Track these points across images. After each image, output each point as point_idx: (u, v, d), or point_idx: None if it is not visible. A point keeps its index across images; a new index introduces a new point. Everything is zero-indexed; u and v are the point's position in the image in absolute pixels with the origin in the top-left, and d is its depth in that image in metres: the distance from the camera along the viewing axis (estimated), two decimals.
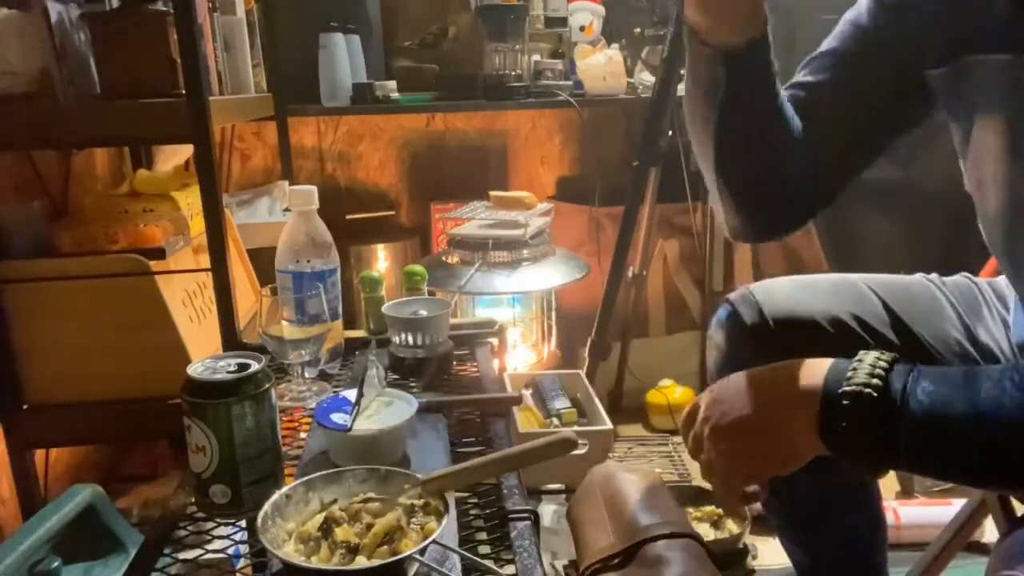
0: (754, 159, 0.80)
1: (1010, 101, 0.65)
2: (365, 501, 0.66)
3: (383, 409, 0.82)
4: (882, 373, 0.60)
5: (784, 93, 0.81)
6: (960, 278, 0.91)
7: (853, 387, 0.60)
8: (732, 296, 0.89)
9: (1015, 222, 0.69)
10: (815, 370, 0.64)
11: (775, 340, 0.82)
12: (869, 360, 0.61)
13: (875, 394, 0.59)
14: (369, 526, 0.63)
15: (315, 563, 0.60)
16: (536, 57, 2.11)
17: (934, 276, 0.92)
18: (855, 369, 0.61)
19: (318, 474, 0.68)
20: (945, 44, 0.70)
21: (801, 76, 0.83)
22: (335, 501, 0.66)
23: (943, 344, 0.83)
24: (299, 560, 0.60)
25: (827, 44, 0.82)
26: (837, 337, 0.82)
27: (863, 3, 0.79)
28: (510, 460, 0.73)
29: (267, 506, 0.64)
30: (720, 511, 1.48)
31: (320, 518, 0.64)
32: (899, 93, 0.77)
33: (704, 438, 0.69)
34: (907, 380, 0.60)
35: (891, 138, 0.81)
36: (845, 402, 0.60)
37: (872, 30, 0.78)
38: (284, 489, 0.66)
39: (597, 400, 1.67)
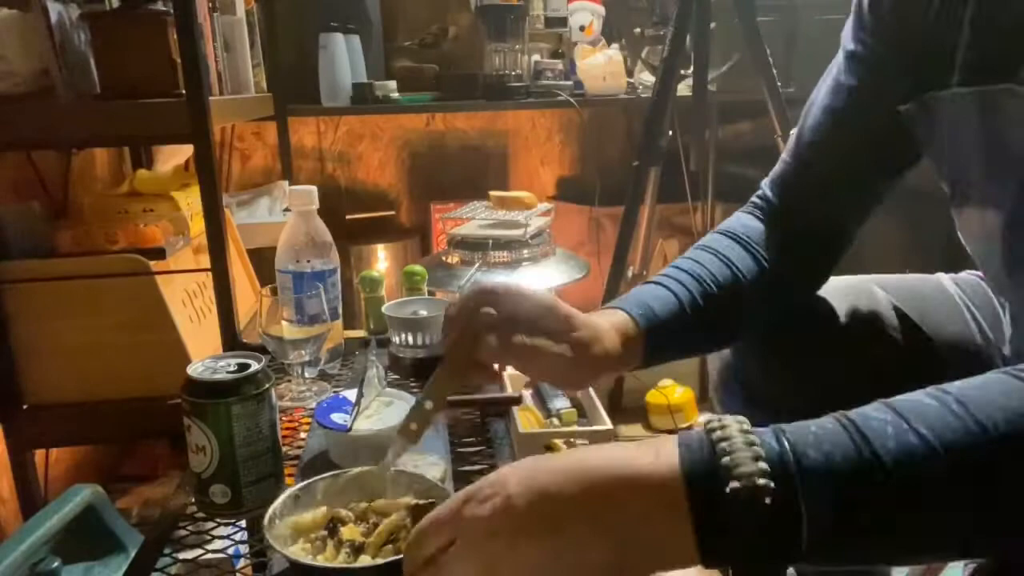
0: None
1: (977, 134, 0.64)
2: (371, 501, 0.66)
3: (383, 409, 0.82)
4: (760, 452, 0.45)
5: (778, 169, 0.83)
6: (971, 277, 0.90)
7: (743, 480, 0.43)
8: None
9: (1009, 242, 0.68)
10: (660, 454, 0.47)
11: (782, 348, 0.82)
12: (738, 438, 0.46)
13: (771, 484, 0.43)
14: (375, 525, 0.63)
15: (320, 561, 0.60)
16: (536, 57, 2.11)
17: (943, 275, 0.92)
18: (729, 455, 0.45)
19: (326, 475, 0.68)
20: (911, 81, 0.69)
21: (792, 144, 0.83)
22: (341, 501, 0.67)
23: (955, 344, 0.82)
24: (305, 558, 0.60)
25: (813, 112, 0.81)
26: (844, 339, 0.81)
27: (839, 60, 0.80)
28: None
29: (275, 505, 0.64)
30: None
31: (326, 517, 0.64)
32: (883, 136, 0.75)
33: (470, 555, 0.47)
34: (784, 452, 0.45)
35: (890, 181, 0.81)
36: (730, 499, 0.43)
37: (847, 84, 0.78)
38: (292, 489, 0.66)
39: (597, 400, 1.67)
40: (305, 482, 0.67)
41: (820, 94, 0.80)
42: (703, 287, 0.74)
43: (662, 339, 0.71)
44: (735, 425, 0.48)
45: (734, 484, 0.43)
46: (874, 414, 0.46)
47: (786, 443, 0.46)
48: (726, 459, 0.45)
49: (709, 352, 0.87)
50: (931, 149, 0.72)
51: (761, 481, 0.43)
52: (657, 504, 0.45)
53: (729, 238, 0.80)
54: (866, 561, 0.47)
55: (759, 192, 0.85)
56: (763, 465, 0.44)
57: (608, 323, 0.70)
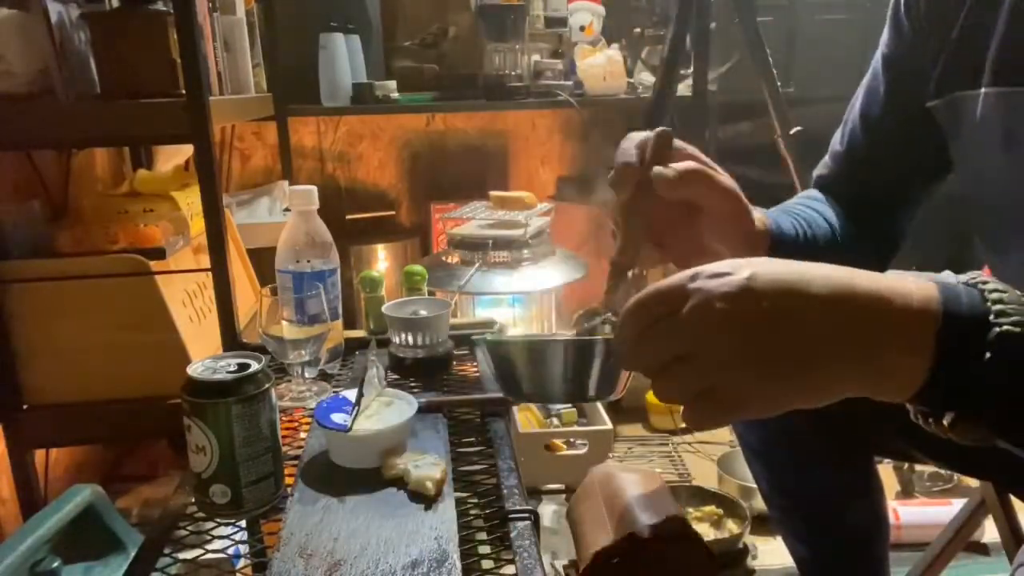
0: None
1: (1001, 133, 0.66)
2: None
3: (383, 409, 0.82)
4: None
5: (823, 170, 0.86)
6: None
7: (1010, 325, 0.43)
8: None
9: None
10: (919, 285, 0.47)
11: None
12: (1009, 292, 0.46)
13: None
14: None
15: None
16: (536, 57, 2.11)
17: (948, 274, 0.92)
18: (1001, 302, 0.45)
19: None
20: (943, 81, 0.71)
21: (835, 146, 0.86)
22: None
23: None
24: None
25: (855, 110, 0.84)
26: None
27: (875, 66, 0.81)
28: None
29: None
30: (720, 511, 1.48)
31: None
32: (920, 136, 0.77)
33: (697, 324, 0.44)
34: None
35: (929, 183, 0.83)
36: (992, 336, 0.43)
37: (883, 89, 0.80)
38: None
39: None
40: None
41: (857, 101, 0.83)
42: (812, 231, 0.77)
43: (779, 250, 0.72)
44: (995, 282, 0.47)
45: (1007, 327, 0.43)
46: None
47: None
48: (998, 305, 0.44)
49: None
50: (956, 145, 0.73)
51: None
52: (907, 327, 0.44)
53: (821, 202, 0.83)
54: None
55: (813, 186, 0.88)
56: None
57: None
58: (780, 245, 0.72)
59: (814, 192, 0.86)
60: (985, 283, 0.47)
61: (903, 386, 0.45)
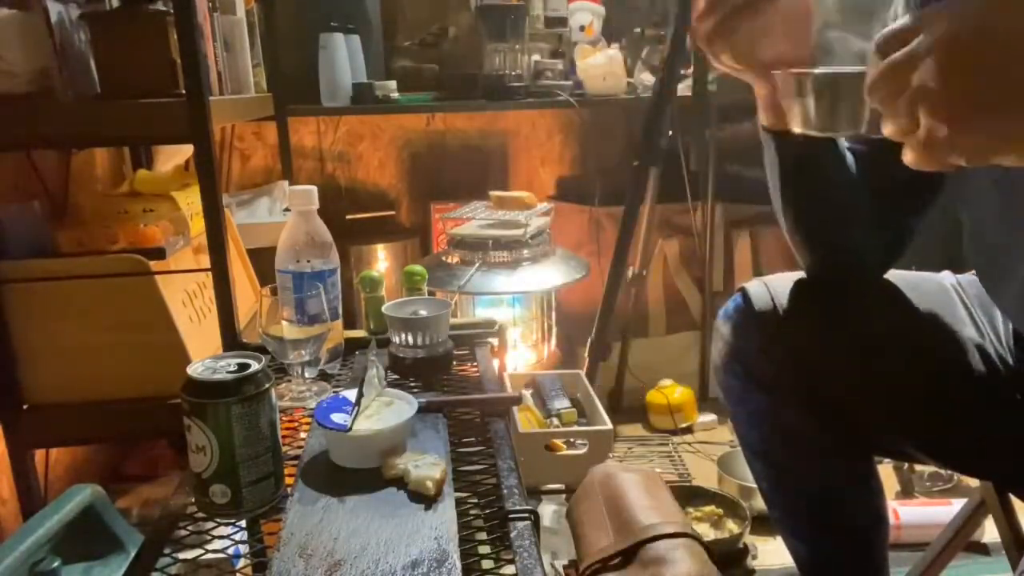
0: (826, 216, 0.83)
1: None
2: None
3: (383, 409, 0.82)
4: None
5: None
6: (974, 277, 0.91)
7: None
8: (746, 284, 0.91)
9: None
10: None
11: (784, 331, 0.83)
12: None
13: None
14: None
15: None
16: (536, 57, 2.11)
17: (948, 274, 0.93)
18: None
19: None
20: None
21: None
22: None
23: (955, 343, 0.83)
24: None
25: None
26: (841, 326, 0.83)
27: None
28: None
29: None
30: (720, 511, 1.48)
31: None
32: None
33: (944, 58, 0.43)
34: None
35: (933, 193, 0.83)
36: None
37: None
38: None
39: (597, 400, 1.67)
40: None
41: None
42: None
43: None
44: None
45: None
46: None
47: None
48: None
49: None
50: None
51: None
52: None
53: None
54: None
55: None
56: None
57: None
58: None
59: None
60: None
61: None
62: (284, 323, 0.94)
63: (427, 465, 0.74)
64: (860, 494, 0.96)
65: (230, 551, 0.72)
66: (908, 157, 0.46)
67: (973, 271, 0.92)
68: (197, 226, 1.37)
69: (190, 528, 0.72)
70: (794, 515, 0.99)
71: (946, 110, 0.43)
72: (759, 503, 1.25)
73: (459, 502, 0.73)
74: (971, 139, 0.43)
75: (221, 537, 0.72)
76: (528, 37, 2.07)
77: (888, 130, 0.47)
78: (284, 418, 0.88)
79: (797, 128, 0.61)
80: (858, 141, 0.84)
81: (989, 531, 1.34)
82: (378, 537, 0.66)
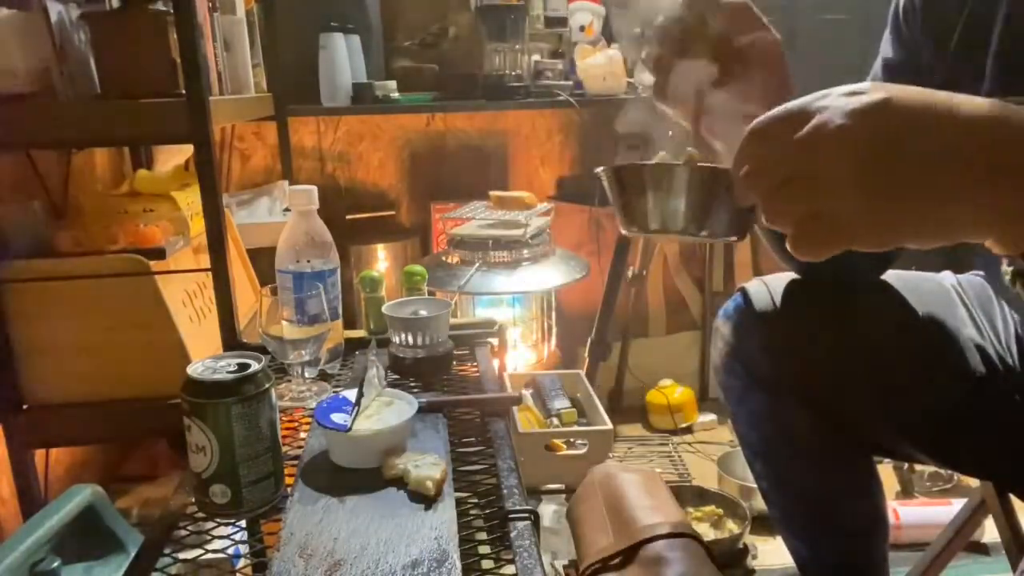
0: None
1: None
2: None
3: (383, 409, 0.82)
4: None
5: None
6: (975, 277, 0.91)
7: None
8: (747, 284, 0.90)
9: None
10: None
11: (784, 331, 0.83)
12: None
13: None
14: None
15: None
16: (536, 57, 2.11)
17: (949, 274, 0.93)
18: None
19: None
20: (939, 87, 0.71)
21: None
22: None
23: (955, 343, 0.83)
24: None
25: None
26: (843, 324, 0.83)
27: (876, 70, 0.80)
28: None
29: None
30: (720, 511, 1.48)
31: None
32: None
33: (819, 142, 0.41)
34: None
35: None
36: None
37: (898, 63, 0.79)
38: None
39: (597, 400, 1.67)
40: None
41: (874, 70, 0.81)
42: None
43: None
44: None
45: None
46: None
47: None
48: None
49: None
50: None
51: None
52: None
53: None
54: None
55: None
56: None
57: None
58: None
59: None
60: None
61: None
62: (284, 323, 0.94)
63: (427, 465, 0.74)
64: (860, 494, 0.96)
65: (230, 551, 0.72)
66: (792, 246, 0.44)
67: (973, 271, 0.92)
68: (197, 226, 1.37)
69: (190, 528, 0.72)
70: (794, 515, 0.99)
71: (836, 198, 0.41)
72: (759, 503, 1.25)
73: (459, 502, 0.73)
74: (861, 225, 0.41)
75: (221, 537, 0.72)
76: (528, 37, 2.07)
77: (768, 220, 0.45)
78: (284, 418, 0.88)
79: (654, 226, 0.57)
80: None
81: (989, 531, 1.34)
82: (378, 537, 0.66)
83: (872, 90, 0.41)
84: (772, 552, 1.45)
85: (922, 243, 0.42)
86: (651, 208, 0.56)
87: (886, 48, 0.80)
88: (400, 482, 0.74)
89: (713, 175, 0.54)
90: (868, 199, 0.40)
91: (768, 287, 0.88)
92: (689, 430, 2.01)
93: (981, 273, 0.92)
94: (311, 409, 0.91)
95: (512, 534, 0.68)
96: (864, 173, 0.40)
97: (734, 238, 0.57)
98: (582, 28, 2.15)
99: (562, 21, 2.14)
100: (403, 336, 1.04)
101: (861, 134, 0.40)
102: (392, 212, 2.31)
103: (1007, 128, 0.40)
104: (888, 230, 0.41)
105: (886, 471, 1.64)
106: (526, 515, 0.71)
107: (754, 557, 1.45)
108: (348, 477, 0.76)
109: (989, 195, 0.40)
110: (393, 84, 2.01)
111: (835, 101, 0.42)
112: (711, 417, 2.03)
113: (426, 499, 0.71)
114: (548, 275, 1.74)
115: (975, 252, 0.83)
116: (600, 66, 2.02)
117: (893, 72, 0.79)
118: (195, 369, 0.70)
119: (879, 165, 0.40)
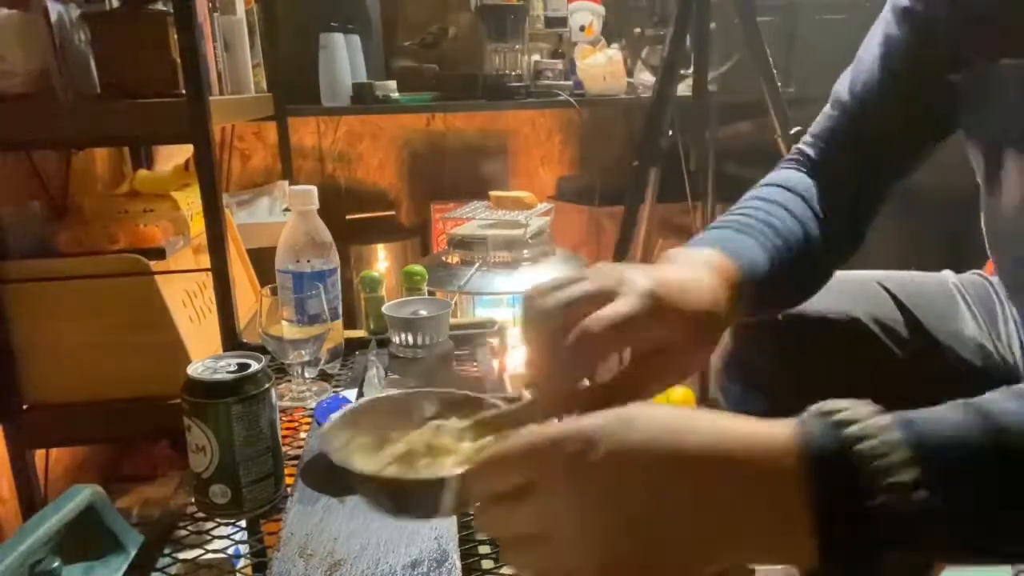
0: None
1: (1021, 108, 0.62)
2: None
3: None
4: (897, 437, 0.42)
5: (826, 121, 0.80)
6: (975, 276, 0.91)
7: (884, 468, 0.40)
8: None
9: None
10: (775, 435, 0.44)
11: (784, 336, 0.83)
12: (869, 421, 0.43)
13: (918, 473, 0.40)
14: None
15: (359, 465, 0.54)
16: (536, 57, 2.12)
17: (949, 273, 0.92)
18: (862, 439, 0.42)
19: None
20: (961, 46, 0.67)
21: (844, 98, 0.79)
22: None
23: (959, 343, 0.83)
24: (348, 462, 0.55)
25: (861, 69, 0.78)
26: (848, 334, 0.82)
27: (886, 16, 0.78)
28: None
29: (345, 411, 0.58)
30: None
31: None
32: (933, 95, 0.72)
33: (547, 505, 0.41)
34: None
35: (936, 139, 0.77)
36: (877, 500, 0.40)
37: (899, 37, 0.76)
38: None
39: None
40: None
41: (870, 48, 0.78)
42: (784, 242, 0.69)
43: (756, 294, 0.63)
44: (863, 409, 0.44)
45: (876, 469, 0.40)
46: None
47: (919, 430, 0.43)
48: (860, 445, 0.41)
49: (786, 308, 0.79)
50: (971, 119, 0.70)
51: (907, 475, 0.40)
52: (774, 490, 0.41)
53: (789, 192, 0.76)
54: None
55: (796, 150, 0.82)
56: (905, 453, 0.40)
57: (712, 275, 0.60)
58: (756, 286, 0.64)
59: (771, 192, 0.77)
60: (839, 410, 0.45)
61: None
62: (284, 323, 0.94)
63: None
64: None
65: (230, 551, 0.72)
66: None
67: (973, 271, 0.92)
68: (197, 226, 1.37)
69: (190, 528, 0.72)
70: None
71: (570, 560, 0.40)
72: None
73: None
74: None
75: (221, 537, 0.72)
76: (528, 37, 2.07)
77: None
78: (284, 418, 0.88)
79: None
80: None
81: None
82: (378, 537, 0.66)
83: (593, 445, 0.40)
84: None
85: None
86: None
87: (889, 28, 0.77)
88: None
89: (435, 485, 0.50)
90: (598, 558, 0.40)
91: None
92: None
93: (981, 272, 0.92)
94: (311, 409, 0.91)
95: None
96: (588, 536, 0.40)
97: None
98: (582, 28, 2.15)
99: (562, 21, 2.14)
100: (403, 336, 1.04)
101: (583, 503, 0.40)
102: (392, 212, 2.32)
103: (728, 465, 0.42)
104: None
105: None
106: None
107: None
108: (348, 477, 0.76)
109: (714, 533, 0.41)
110: (393, 84, 2.01)
111: (561, 463, 0.41)
112: None
113: None
114: (548, 275, 1.73)
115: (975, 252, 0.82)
116: (600, 66, 2.02)
117: (909, 21, 0.72)
118: (195, 369, 0.70)
119: (601, 529, 0.40)
